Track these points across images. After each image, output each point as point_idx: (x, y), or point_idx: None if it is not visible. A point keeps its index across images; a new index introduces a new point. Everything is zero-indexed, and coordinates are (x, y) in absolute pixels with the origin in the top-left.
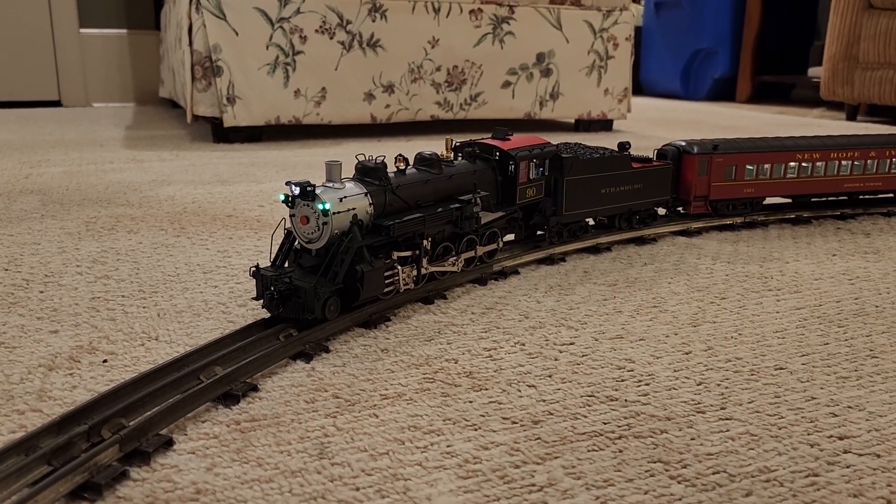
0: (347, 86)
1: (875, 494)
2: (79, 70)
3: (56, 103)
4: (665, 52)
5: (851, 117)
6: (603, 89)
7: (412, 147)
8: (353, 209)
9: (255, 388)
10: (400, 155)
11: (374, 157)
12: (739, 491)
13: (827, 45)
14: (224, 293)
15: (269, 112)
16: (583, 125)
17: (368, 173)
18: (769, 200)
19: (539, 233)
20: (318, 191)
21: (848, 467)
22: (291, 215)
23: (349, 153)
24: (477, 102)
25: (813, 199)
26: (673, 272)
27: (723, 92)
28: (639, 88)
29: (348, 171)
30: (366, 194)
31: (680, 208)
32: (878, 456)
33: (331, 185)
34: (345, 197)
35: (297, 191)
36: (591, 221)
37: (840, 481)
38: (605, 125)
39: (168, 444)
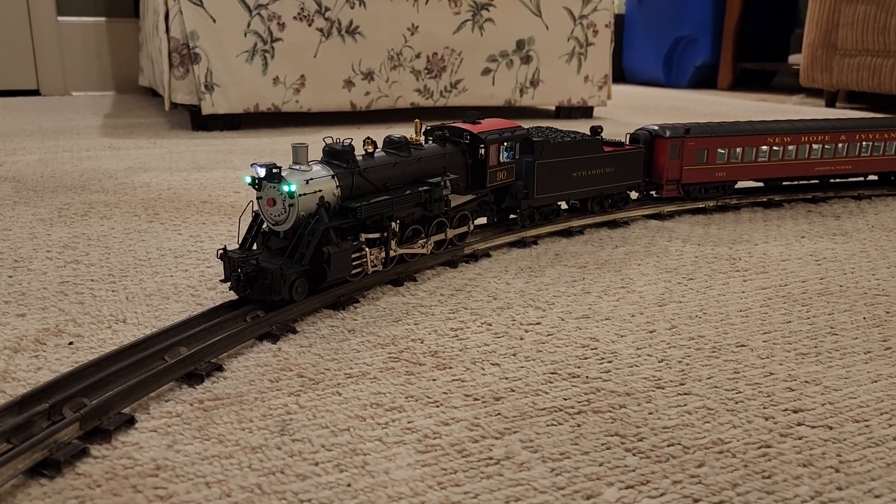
0: (326, 73)
1: (824, 464)
2: (57, 58)
3: (34, 92)
4: (647, 39)
5: (830, 104)
6: (583, 76)
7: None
8: (320, 191)
9: (219, 368)
10: (368, 138)
11: (341, 140)
12: (692, 462)
13: (806, 32)
14: (194, 277)
15: (247, 99)
16: (563, 112)
17: (336, 156)
18: (741, 184)
19: (511, 216)
20: (283, 173)
21: (800, 439)
22: (258, 198)
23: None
24: (457, 89)
25: (784, 183)
26: (643, 254)
27: (705, 79)
28: (622, 76)
29: (317, 154)
30: (333, 176)
31: (652, 192)
32: (830, 428)
33: (297, 167)
34: (311, 179)
35: (262, 173)
36: (563, 205)
37: (791, 452)
38: (585, 112)
39: (130, 422)
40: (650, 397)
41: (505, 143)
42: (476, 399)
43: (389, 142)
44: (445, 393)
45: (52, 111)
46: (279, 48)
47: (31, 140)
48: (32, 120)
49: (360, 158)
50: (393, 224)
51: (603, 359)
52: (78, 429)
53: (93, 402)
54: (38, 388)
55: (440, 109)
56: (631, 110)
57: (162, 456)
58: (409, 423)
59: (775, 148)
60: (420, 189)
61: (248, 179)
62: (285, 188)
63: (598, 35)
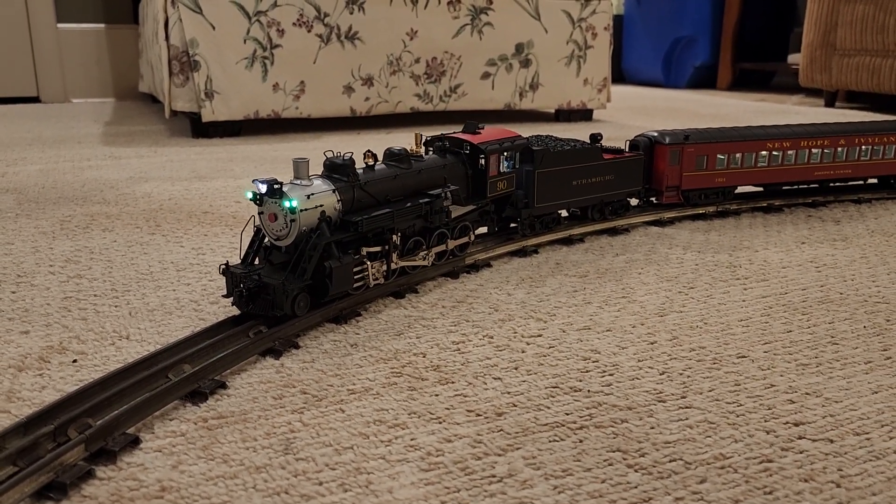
0: (326, 79)
1: (825, 479)
2: (57, 66)
3: (35, 99)
4: (646, 40)
5: (830, 104)
6: (582, 79)
7: (392, 140)
8: (321, 206)
9: (223, 386)
10: (368, 151)
11: (341, 154)
12: (694, 478)
13: (805, 32)
14: (197, 291)
15: (247, 106)
16: (563, 115)
17: (336, 170)
18: (741, 189)
19: (512, 225)
20: (285, 188)
21: (801, 453)
22: (260, 213)
23: (329, 147)
24: (457, 94)
25: (784, 188)
26: (644, 262)
27: (704, 79)
28: (621, 77)
29: (317, 168)
30: (334, 191)
31: (653, 198)
32: (831, 441)
33: (298, 182)
34: (312, 194)
35: (263, 188)
36: (564, 213)
37: (792, 466)
38: (585, 115)
39: (135, 442)
40: (651, 411)
41: (505, 153)
42: (478, 415)
43: (390, 154)
44: (448, 409)
45: (53, 119)
46: (279, 55)
47: (32, 149)
48: (33, 128)
49: (360, 172)
50: (394, 237)
51: (604, 372)
52: (83, 450)
53: (98, 422)
54: (43, 408)
55: (440, 114)
56: (630, 112)
57: (167, 477)
58: (411, 440)
59: (775, 153)
60: (421, 201)
61: (250, 195)
62: (286, 204)
63: (597, 38)
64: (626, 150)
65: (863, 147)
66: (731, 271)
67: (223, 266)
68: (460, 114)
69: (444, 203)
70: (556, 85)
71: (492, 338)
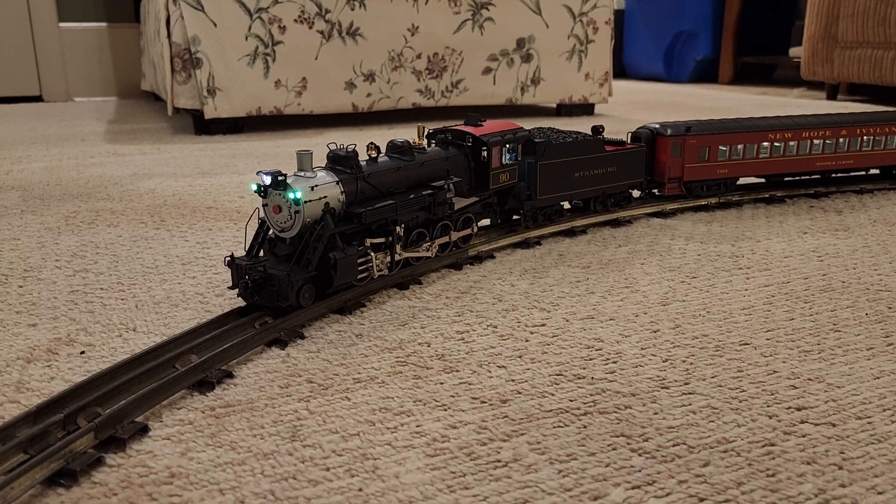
0: (328, 75)
1: (827, 461)
2: (59, 65)
3: (37, 98)
4: (647, 34)
5: (832, 97)
6: (584, 74)
7: (394, 135)
8: (325, 197)
9: (230, 375)
10: (371, 143)
11: (345, 146)
12: (697, 461)
13: (806, 24)
14: (202, 283)
15: (249, 103)
16: (564, 110)
17: (340, 162)
18: (743, 180)
19: (515, 217)
20: (289, 180)
21: (804, 436)
22: (264, 205)
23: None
24: (458, 89)
25: (786, 178)
26: (646, 253)
27: (706, 74)
28: (622, 72)
29: (321, 160)
30: (337, 182)
31: (655, 190)
32: (833, 425)
33: (302, 174)
34: (316, 186)
35: (268, 180)
36: (566, 205)
37: (795, 450)
38: (586, 109)
39: (143, 430)
40: (655, 397)
41: (507, 145)
42: (483, 402)
43: (392, 146)
44: (453, 396)
45: (56, 117)
46: (280, 51)
47: (36, 147)
48: (36, 127)
49: (363, 164)
50: (398, 228)
51: (608, 359)
52: (93, 438)
53: (107, 411)
54: (52, 398)
55: (442, 109)
56: (632, 107)
57: (176, 464)
58: (417, 426)
59: (776, 144)
60: (424, 193)
61: (254, 187)
62: (291, 195)
63: (598, 32)
64: (629, 142)
65: (864, 138)
66: (734, 261)
67: (228, 258)
68: (462, 109)
69: (447, 195)
70: (557, 80)
71: (496, 327)
